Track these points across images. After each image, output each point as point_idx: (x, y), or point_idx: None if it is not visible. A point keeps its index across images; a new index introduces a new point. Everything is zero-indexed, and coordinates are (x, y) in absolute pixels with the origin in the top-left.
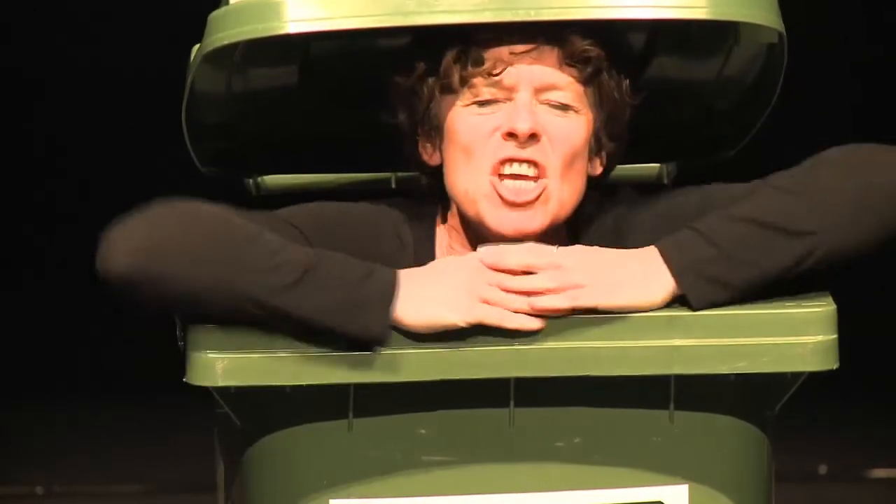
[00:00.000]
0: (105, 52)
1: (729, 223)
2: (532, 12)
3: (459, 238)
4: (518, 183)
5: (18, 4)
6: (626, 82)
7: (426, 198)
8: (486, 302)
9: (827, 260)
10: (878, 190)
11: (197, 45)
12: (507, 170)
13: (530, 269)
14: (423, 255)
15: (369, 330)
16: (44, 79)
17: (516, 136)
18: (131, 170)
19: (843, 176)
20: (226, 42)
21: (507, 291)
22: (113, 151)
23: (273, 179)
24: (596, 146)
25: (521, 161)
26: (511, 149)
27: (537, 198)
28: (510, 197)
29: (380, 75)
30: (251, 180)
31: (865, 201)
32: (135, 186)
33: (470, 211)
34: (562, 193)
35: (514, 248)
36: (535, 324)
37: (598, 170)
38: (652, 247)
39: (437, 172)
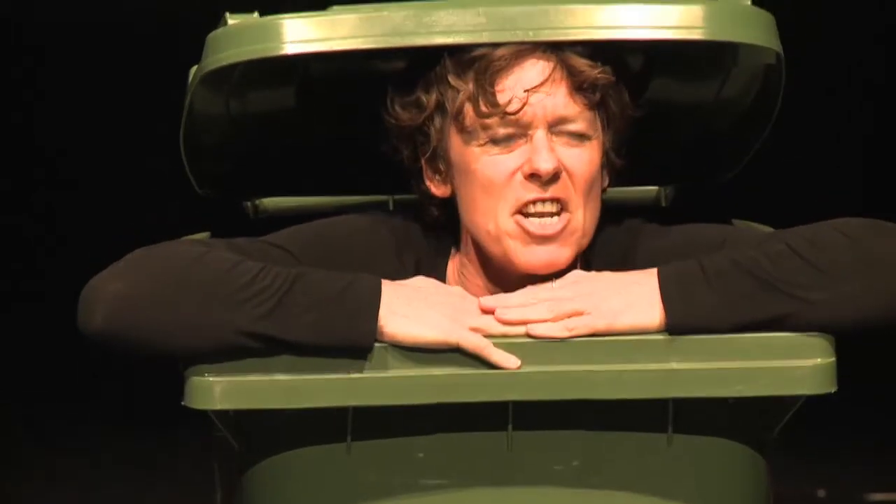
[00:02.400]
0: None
1: (732, 267)
2: (531, 33)
3: (472, 270)
4: (543, 219)
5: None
6: (626, 96)
7: (432, 226)
8: (471, 328)
9: (821, 328)
10: (891, 279)
11: (195, 67)
12: (532, 208)
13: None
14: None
15: (356, 340)
16: (44, 89)
17: (539, 176)
18: (132, 181)
19: (857, 256)
20: (224, 63)
21: (504, 323)
22: (115, 160)
23: (271, 202)
24: (607, 164)
25: (544, 200)
26: (534, 190)
27: (563, 230)
28: (537, 231)
29: (378, 98)
30: (249, 203)
31: (876, 289)
32: (136, 200)
33: (495, 249)
34: (585, 223)
35: (513, 293)
36: (514, 363)
37: (605, 184)
38: (654, 269)
39: (446, 202)
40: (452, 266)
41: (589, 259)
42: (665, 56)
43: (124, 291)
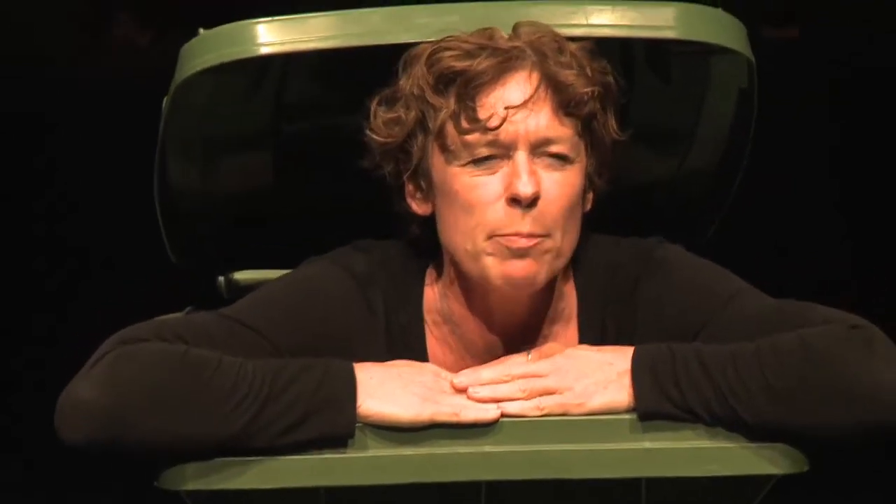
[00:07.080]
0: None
1: (698, 367)
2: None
3: (454, 291)
4: (519, 237)
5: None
6: (612, 120)
7: (411, 248)
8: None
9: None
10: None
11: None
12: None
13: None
14: (404, 318)
15: (336, 432)
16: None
17: (519, 200)
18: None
19: (807, 386)
20: (200, 68)
21: (476, 401)
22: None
23: (244, 276)
24: (589, 187)
25: (524, 233)
26: (516, 218)
27: (536, 246)
28: (513, 245)
29: (351, 164)
30: (223, 277)
31: (821, 418)
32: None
33: (472, 268)
34: (562, 245)
35: (487, 366)
36: (492, 413)
37: (589, 206)
38: (630, 351)
39: (427, 220)
40: (432, 293)
41: (588, 291)
42: (641, 86)
43: (105, 406)
